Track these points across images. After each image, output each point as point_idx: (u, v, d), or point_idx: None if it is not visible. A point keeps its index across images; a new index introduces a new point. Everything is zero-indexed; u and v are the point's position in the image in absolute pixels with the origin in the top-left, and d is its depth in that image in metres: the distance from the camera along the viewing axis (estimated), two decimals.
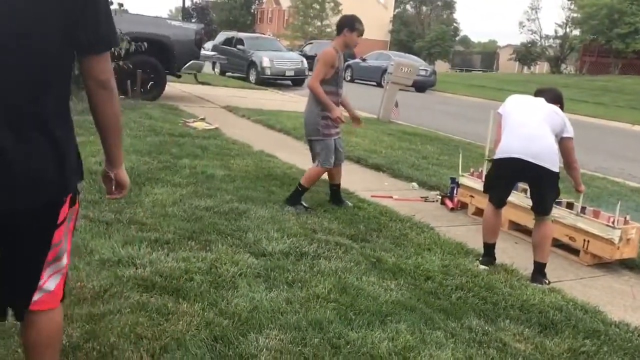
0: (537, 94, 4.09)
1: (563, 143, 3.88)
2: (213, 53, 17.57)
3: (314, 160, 4.90)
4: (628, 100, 22.13)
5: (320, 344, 2.59)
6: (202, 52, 12.21)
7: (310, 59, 27.21)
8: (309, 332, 2.68)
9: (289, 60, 20.41)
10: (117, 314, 2.65)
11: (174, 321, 2.65)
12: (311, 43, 33.23)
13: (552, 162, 3.71)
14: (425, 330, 2.85)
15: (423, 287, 3.44)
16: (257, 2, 70.56)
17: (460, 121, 14.03)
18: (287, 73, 19.82)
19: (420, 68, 22.36)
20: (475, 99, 22.56)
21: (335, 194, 5.20)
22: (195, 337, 2.53)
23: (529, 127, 3.80)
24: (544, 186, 3.82)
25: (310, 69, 24.47)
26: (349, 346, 2.60)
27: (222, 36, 24.48)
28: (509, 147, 3.80)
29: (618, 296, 3.91)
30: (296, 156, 7.22)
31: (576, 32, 35.95)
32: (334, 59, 4.67)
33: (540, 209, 3.89)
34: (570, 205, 4.74)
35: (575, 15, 35.47)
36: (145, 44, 9.15)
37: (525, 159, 3.69)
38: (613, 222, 4.31)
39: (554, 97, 4.01)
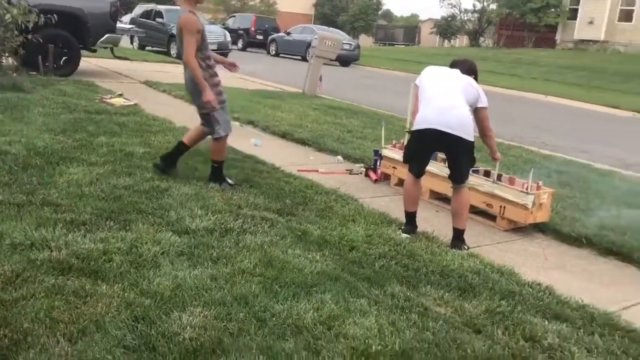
0: (453, 65, 4.19)
1: (478, 113, 4.01)
2: (130, 26, 16.90)
3: (212, 133, 4.74)
4: (541, 73, 23.16)
5: (246, 318, 2.58)
6: (119, 25, 11.72)
7: (234, 32, 26.86)
8: (234, 307, 2.66)
9: (211, 34, 19.93)
10: (31, 299, 2.53)
11: (92, 303, 2.56)
12: (234, 16, 32.60)
13: (467, 132, 3.83)
14: (350, 298, 2.90)
15: (347, 257, 3.49)
16: None
17: (383, 94, 14.23)
18: (210, 47, 19.35)
19: (344, 42, 22.41)
20: (398, 73, 22.92)
21: (178, 154, 4.88)
22: (115, 318, 2.45)
23: (444, 98, 3.90)
24: (460, 155, 3.94)
25: (234, 43, 23.95)
26: (274, 318, 2.60)
27: (140, 9, 23.60)
28: (426, 118, 3.89)
29: (531, 258, 4.11)
30: None
31: (493, 6, 37.09)
32: (196, 23, 4.47)
33: (457, 177, 4.02)
34: (487, 174, 4.92)
35: None
36: (55, 16, 8.67)
37: (442, 129, 3.79)
38: (527, 189, 4.52)
39: (469, 69, 4.12)
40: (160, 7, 22.04)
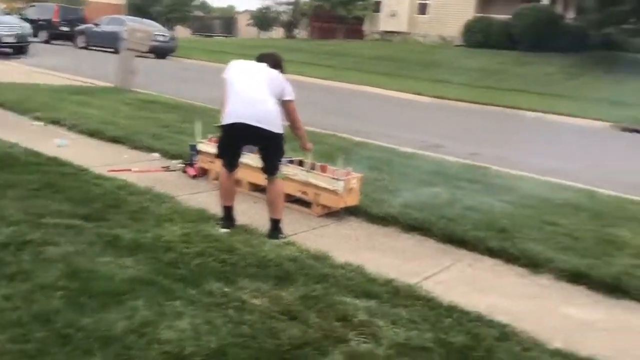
0: (259, 59, 4.25)
1: (285, 106, 4.12)
2: None
3: None
4: (353, 63, 24.49)
5: (47, 337, 2.38)
6: None
7: (34, 23, 24.52)
8: (32, 326, 2.44)
9: (7, 25, 18.01)
10: None
11: None
12: (34, 6, 29.75)
13: (276, 124, 3.92)
14: (164, 302, 2.81)
15: (163, 259, 3.38)
16: None
17: (201, 87, 14.00)
18: (5, 40, 17.50)
19: (158, 34, 21.69)
20: (216, 65, 22.69)
21: None
22: None
23: (251, 92, 3.94)
24: (270, 148, 4.03)
25: (35, 35, 21.88)
26: (80, 333, 2.43)
27: None
28: (234, 112, 3.90)
29: (344, 241, 4.34)
30: (19, 133, 6.49)
31: None
32: None
33: (269, 169, 4.10)
34: (301, 163, 5.08)
35: None
36: None
37: (250, 123, 3.83)
38: (337, 175, 4.75)
39: (275, 62, 4.21)
40: None
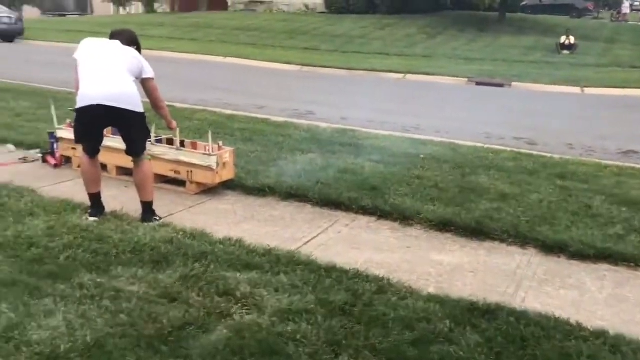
0: (112, 36, 4.02)
1: (145, 84, 3.95)
2: None
3: None
4: (218, 35, 23.94)
5: None
6: None
7: None
8: None
9: None
10: None
11: None
12: None
13: (135, 104, 3.75)
14: (31, 302, 2.64)
15: (25, 256, 3.16)
16: None
17: (56, 70, 13.02)
18: None
19: (1, 15, 19.87)
20: (70, 45, 21.18)
21: None
22: None
23: (105, 71, 3.74)
24: (132, 128, 3.86)
25: None
26: None
27: None
28: (87, 94, 3.69)
29: (223, 216, 4.30)
30: None
31: None
32: None
33: (133, 150, 3.94)
34: (170, 141, 4.93)
35: None
36: None
37: (106, 104, 3.64)
38: (209, 151, 4.67)
39: (129, 39, 4.01)
40: None
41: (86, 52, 3.84)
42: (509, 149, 6.76)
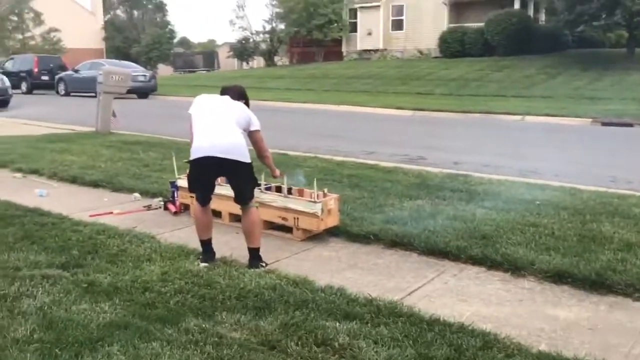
0: (223, 92, 4.28)
1: (252, 136, 4.16)
2: None
3: None
4: (333, 84, 24.66)
5: None
6: None
7: (14, 75, 24.66)
8: None
9: None
10: None
11: None
12: (12, 58, 29.92)
13: (243, 155, 3.94)
14: (140, 345, 2.77)
15: (139, 300, 3.34)
16: None
17: (181, 123, 14.03)
18: None
19: (137, 74, 21.85)
20: None
21: None
22: None
23: (216, 125, 3.98)
24: (240, 178, 4.03)
25: (17, 87, 22.00)
26: None
27: None
28: (200, 147, 3.94)
29: (327, 263, 4.31)
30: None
31: (281, 26, 38.64)
32: None
33: (241, 198, 4.10)
34: (279, 189, 5.08)
35: (278, 10, 38.08)
36: None
37: (217, 155, 3.85)
38: (315, 198, 4.75)
39: (238, 94, 4.25)
40: None
41: (199, 107, 4.11)
42: (637, 193, 6.23)
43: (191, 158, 4.00)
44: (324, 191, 4.87)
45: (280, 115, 15.32)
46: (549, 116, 15.29)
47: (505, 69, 24.64)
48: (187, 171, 4.23)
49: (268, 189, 5.08)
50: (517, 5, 28.79)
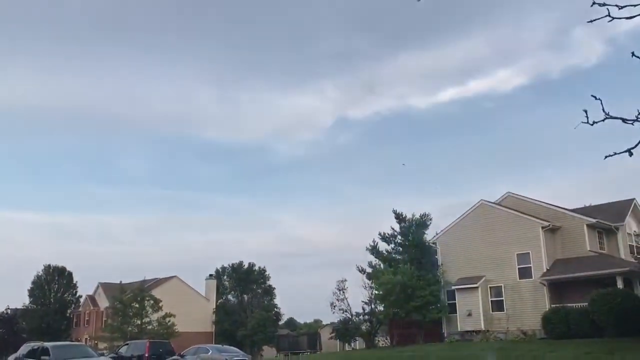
0: None
1: None
2: None
3: None
4: None
5: None
6: None
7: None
8: None
9: None
10: None
11: None
12: (128, 344, 32.20)
13: None
14: None
15: None
16: (73, 305, 68.03)
17: None
18: None
19: (230, 356, 23.06)
20: None
21: None
22: None
23: None
24: None
25: None
26: None
27: (25, 348, 22.98)
28: None
29: None
30: None
31: (380, 307, 39.37)
32: None
33: None
34: None
35: (376, 292, 39.26)
36: None
37: None
38: None
39: None
40: (48, 344, 21.66)
41: None
42: None
43: None
44: None
45: None
46: None
47: (617, 352, 23.01)
48: None
49: None
50: (619, 284, 28.08)
